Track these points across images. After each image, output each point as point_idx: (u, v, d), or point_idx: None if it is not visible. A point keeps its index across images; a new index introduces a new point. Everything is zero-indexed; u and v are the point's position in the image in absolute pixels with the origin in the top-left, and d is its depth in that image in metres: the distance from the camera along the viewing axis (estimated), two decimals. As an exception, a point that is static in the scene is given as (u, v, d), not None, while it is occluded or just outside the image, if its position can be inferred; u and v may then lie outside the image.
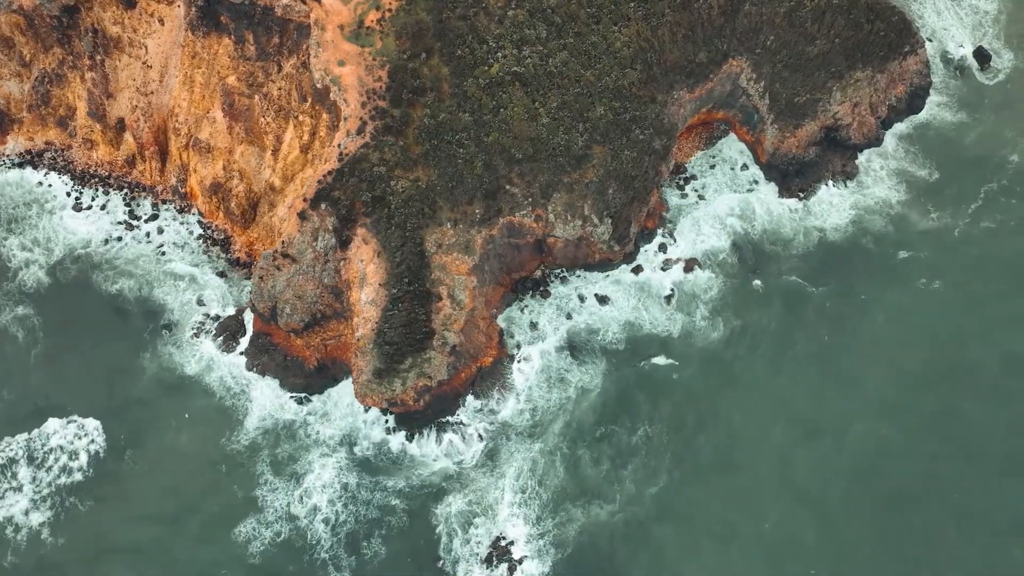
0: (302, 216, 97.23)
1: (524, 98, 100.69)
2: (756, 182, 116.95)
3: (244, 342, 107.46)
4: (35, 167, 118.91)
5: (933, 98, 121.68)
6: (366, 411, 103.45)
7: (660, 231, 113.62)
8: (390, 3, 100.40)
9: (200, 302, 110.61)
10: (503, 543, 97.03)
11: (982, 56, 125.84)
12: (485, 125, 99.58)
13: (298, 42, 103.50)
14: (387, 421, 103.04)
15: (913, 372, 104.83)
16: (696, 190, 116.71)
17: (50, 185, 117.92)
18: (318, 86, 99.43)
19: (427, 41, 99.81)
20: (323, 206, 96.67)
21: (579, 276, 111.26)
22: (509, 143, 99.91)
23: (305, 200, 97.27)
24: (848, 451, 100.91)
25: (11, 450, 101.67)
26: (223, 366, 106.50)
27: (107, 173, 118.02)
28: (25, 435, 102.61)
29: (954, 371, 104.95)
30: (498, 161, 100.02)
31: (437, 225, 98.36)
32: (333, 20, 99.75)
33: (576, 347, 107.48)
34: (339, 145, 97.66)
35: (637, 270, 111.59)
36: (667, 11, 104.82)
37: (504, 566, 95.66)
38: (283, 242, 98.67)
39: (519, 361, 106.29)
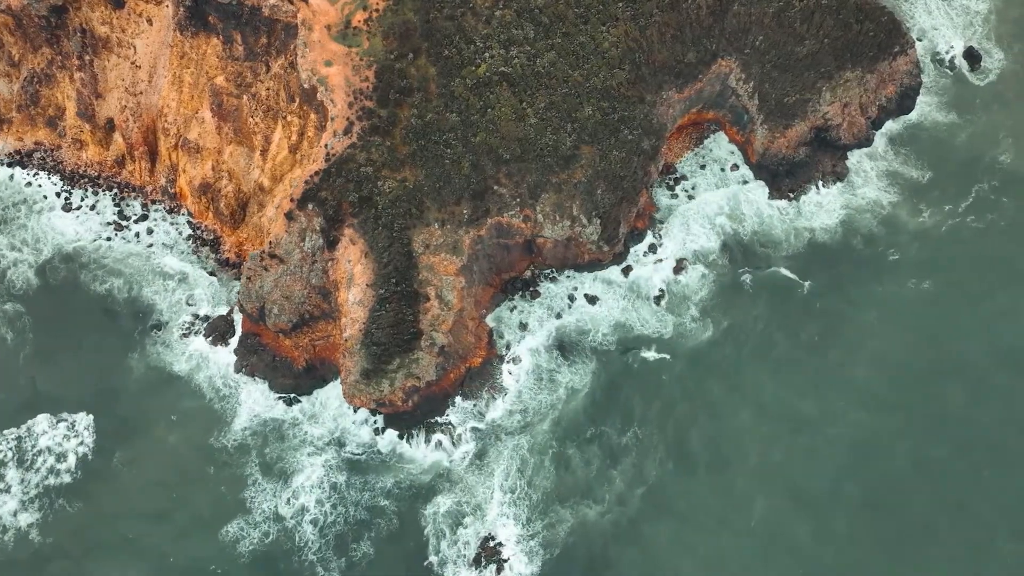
0: (289, 216, 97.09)
1: (512, 98, 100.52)
2: (746, 182, 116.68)
3: (233, 342, 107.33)
4: (24, 167, 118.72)
5: (923, 98, 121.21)
6: (355, 412, 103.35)
7: (650, 231, 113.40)
8: (377, 3, 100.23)
9: (189, 302, 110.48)
10: (492, 544, 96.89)
11: (972, 56, 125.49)
12: (472, 125, 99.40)
13: (286, 42, 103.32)
14: (375, 422, 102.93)
15: (904, 371, 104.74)
16: (686, 190, 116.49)
17: (39, 185, 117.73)
18: (305, 86, 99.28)
19: (414, 41, 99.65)
20: (310, 206, 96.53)
21: (569, 276, 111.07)
22: (497, 143, 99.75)
23: (292, 200, 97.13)
24: (839, 449, 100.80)
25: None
26: (212, 366, 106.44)
27: (96, 173, 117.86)
28: (14, 432, 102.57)
29: (945, 369, 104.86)
30: (486, 161, 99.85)
31: (424, 225, 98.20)
32: (320, 20, 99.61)
33: (566, 347, 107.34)
34: (326, 145, 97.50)
35: (627, 270, 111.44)
36: (655, 11, 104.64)
37: (492, 567, 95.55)
38: (270, 242, 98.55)
39: (508, 361, 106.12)
